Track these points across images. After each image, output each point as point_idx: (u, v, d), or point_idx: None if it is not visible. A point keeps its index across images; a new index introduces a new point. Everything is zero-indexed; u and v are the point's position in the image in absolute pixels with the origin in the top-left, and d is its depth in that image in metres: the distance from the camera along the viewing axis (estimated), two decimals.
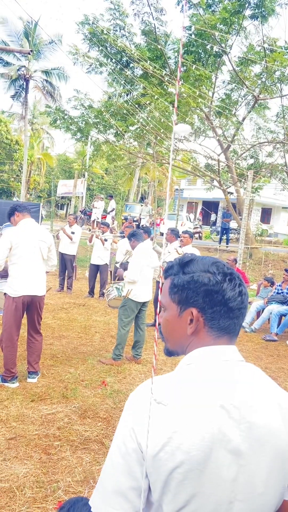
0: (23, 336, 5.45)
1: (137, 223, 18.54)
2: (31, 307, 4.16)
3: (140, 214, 20.06)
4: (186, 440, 0.84)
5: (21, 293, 4.00)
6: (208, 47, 10.73)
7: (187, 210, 31.73)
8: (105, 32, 11.63)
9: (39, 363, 4.36)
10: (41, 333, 4.37)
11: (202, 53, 11.37)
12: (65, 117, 13.57)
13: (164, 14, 12.13)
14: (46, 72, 29.32)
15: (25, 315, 4.24)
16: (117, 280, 5.59)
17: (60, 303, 8.00)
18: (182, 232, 6.70)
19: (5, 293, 4.11)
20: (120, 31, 12.57)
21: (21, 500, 2.49)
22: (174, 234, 6.63)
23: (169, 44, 14.44)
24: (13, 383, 4.10)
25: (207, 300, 0.98)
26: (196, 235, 22.49)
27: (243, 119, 13.94)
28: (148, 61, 10.72)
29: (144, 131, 12.53)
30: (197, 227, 22.93)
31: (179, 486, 0.84)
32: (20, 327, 4.19)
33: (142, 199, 33.34)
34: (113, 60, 12.43)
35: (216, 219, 28.43)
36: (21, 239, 3.97)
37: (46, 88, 30.11)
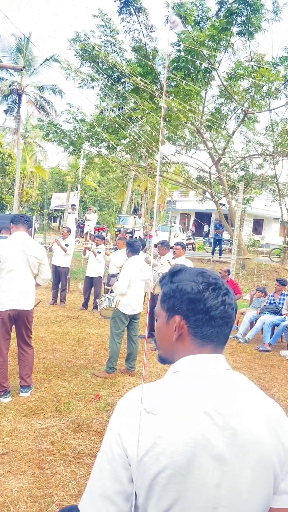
0: (15, 350, 5.44)
1: (131, 235, 18.61)
2: (18, 321, 4.14)
3: (134, 226, 20.14)
4: (170, 445, 0.87)
5: (7, 307, 3.99)
6: (197, 63, 10.94)
7: (180, 221, 31.91)
8: (96, 48, 11.83)
9: (31, 376, 4.34)
10: (31, 346, 4.35)
11: (192, 68, 11.59)
12: (58, 130, 13.70)
13: (154, 31, 12.37)
14: (39, 87, 29.62)
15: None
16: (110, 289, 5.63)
17: (53, 316, 7.99)
18: (175, 244, 6.76)
19: None
20: (111, 47, 12.79)
21: None
22: (165, 246, 6.69)
23: (158, 60, 14.70)
24: (6, 397, 4.08)
25: (190, 308, 1.03)
26: (189, 246, 22.59)
27: (233, 132, 14.16)
28: (139, 77, 10.90)
29: (136, 145, 12.68)
30: (190, 238, 23.05)
31: (163, 490, 0.87)
32: (9, 341, 4.18)
33: (135, 211, 33.50)
34: (105, 76, 12.61)
35: (209, 230, 28.62)
36: (9, 253, 3.96)
37: (39, 102, 30.37)
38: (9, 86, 28.77)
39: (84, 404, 4.21)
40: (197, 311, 1.02)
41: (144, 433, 0.89)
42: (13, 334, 4.27)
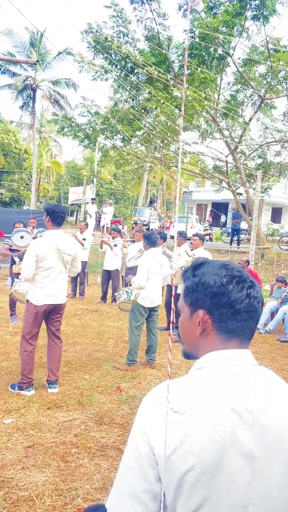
0: (39, 345, 5.50)
1: (147, 227, 18.56)
2: (52, 314, 4.25)
3: (150, 218, 20.09)
4: (197, 444, 0.85)
5: (44, 302, 4.10)
6: (211, 49, 10.74)
7: (196, 212, 31.68)
8: (108, 39, 11.72)
9: (59, 370, 4.39)
10: (60, 339, 4.43)
11: (206, 56, 11.38)
12: (72, 124, 13.69)
13: (166, 19, 12.18)
14: (53, 82, 29.62)
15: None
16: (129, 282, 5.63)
17: (73, 310, 8.04)
18: (192, 235, 6.70)
19: (27, 300, 4.18)
20: (123, 37, 12.66)
21: (41, 509, 2.50)
22: (182, 236, 6.64)
23: (172, 48, 14.51)
24: (29, 390, 4.13)
25: (214, 302, 0.99)
26: (206, 237, 22.44)
27: (250, 119, 13.90)
28: (153, 66, 10.76)
29: (151, 136, 12.58)
30: (207, 229, 22.87)
31: (191, 489, 0.85)
32: (38, 334, 4.26)
33: (151, 203, 33.38)
34: (118, 67, 12.51)
35: (226, 220, 28.33)
36: (46, 252, 4.03)
37: (53, 96, 30.39)
38: (23, 81, 28.85)
39: (106, 396, 4.22)
40: (221, 305, 0.99)
41: (171, 431, 0.86)
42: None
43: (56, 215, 4.09)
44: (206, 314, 1.01)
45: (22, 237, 6.20)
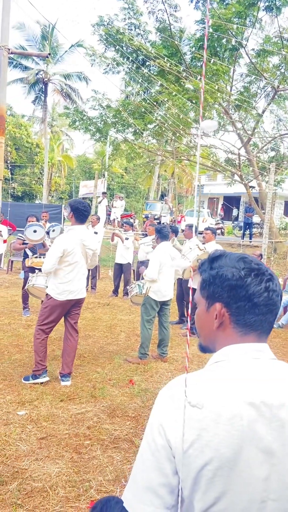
0: (50, 337, 5.54)
1: (158, 221, 18.52)
2: (72, 307, 4.31)
3: (161, 212, 20.03)
4: (215, 438, 0.84)
5: (66, 297, 4.15)
6: (224, 41, 10.59)
7: (208, 206, 31.49)
8: (120, 31, 11.64)
9: (73, 363, 4.43)
10: (77, 332, 4.48)
11: (218, 47, 11.24)
12: (84, 117, 13.67)
13: (178, 10, 12.05)
14: (65, 75, 29.57)
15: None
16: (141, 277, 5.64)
17: (85, 303, 7.99)
18: (205, 229, 6.66)
19: (47, 294, 4.22)
20: (135, 29, 12.56)
21: (55, 500, 2.53)
22: (191, 230, 6.61)
23: (184, 40, 14.36)
24: (44, 377, 4.20)
25: (231, 295, 0.98)
26: (218, 231, 22.30)
27: (263, 111, 13.72)
28: (165, 58, 10.67)
29: (163, 129, 12.50)
30: (219, 223, 22.72)
31: (209, 483, 0.84)
32: (54, 327, 4.32)
33: (163, 196, 33.28)
34: (130, 59, 12.43)
35: (238, 214, 28.11)
36: (73, 247, 4.09)
37: (65, 90, 30.36)
38: (35, 75, 28.88)
39: (118, 389, 4.24)
40: (239, 298, 0.97)
41: (188, 425, 0.86)
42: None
43: (80, 213, 4.14)
44: (223, 308, 1.00)
45: (35, 231, 6.24)
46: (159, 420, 0.90)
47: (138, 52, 12.01)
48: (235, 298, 0.98)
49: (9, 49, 5.64)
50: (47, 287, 4.41)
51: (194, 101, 11.62)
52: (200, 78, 10.36)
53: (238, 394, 0.88)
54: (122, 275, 8.95)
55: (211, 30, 10.46)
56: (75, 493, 2.62)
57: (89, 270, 8.95)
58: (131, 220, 13.64)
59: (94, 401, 3.96)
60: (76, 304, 4.31)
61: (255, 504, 0.87)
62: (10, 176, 29.35)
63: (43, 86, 29.56)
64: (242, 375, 0.92)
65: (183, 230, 7.40)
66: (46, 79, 28.64)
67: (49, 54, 7.16)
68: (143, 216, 21.16)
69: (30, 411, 3.65)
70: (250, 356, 0.96)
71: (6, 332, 5.90)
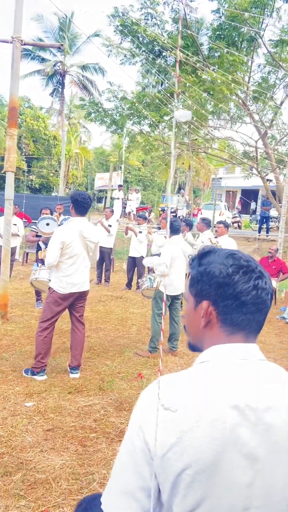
0: (60, 329, 5.57)
1: (174, 214, 18.41)
2: (76, 300, 4.28)
3: (177, 205, 19.90)
4: (195, 441, 0.81)
5: (68, 290, 4.13)
6: (241, 30, 10.37)
7: (225, 199, 31.17)
8: (135, 22, 11.51)
9: (81, 356, 4.42)
10: (84, 324, 4.46)
11: (236, 37, 11.01)
12: (99, 109, 13.62)
13: (193, 1, 11.84)
14: (82, 67, 29.54)
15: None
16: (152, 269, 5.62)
17: (98, 296, 8.10)
18: (217, 222, 6.58)
19: (50, 287, 4.22)
20: (151, 19, 12.41)
21: (57, 492, 2.54)
22: (205, 223, 6.52)
23: (202, 30, 14.12)
24: (41, 375, 4.17)
25: (219, 293, 0.94)
26: (235, 225, 22.06)
27: (281, 102, 13.43)
28: (181, 49, 10.50)
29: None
30: (235, 216, 22.47)
31: (188, 488, 0.81)
32: (57, 320, 4.29)
33: (179, 189, 33.06)
34: (146, 50, 12.30)
35: (256, 207, 27.73)
36: (72, 239, 4.05)
37: (82, 82, 30.35)
38: (53, 67, 28.93)
39: (127, 383, 4.24)
40: (226, 297, 0.93)
41: (168, 428, 0.83)
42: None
43: (79, 204, 4.08)
44: (210, 306, 0.96)
45: (48, 224, 6.27)
46: (138, 422, 0.87)
47: (154, 43, 11.87)
48: (223, 296, 0.94)
49: (22, 40, 5.63)
50: (50, 280, 4.40)
51: (211, 93, 11.43)
52: (216, 69, 10.19)
53: (222, 397, 0.84)
54: (136, 268, 8.94)
55: (221, 20, 10.25)
56: (78, 486, 2.63)
57: (103, 263, 9.00)
58: (146, 213, 13.60)
59: (102, 394, 3.96)
60: (80, 297, 4.28)
61: (238, 511, 0.83)
62: (27, 168, 29.58)
63: (61, 78, 29.62)
64: (226, 377, 0.88)
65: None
66: (63, 71, 28.64)
67: (61, 45, 7.15)
68: (159, 209, 21.07)
69: (38, 403, 3.67)
70: (236, 356, 0.92)
71: (18, 323, 5.96)
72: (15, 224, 8.76)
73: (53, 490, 2.55)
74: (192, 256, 1.06)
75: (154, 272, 5.18)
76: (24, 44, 5.83)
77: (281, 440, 0.85)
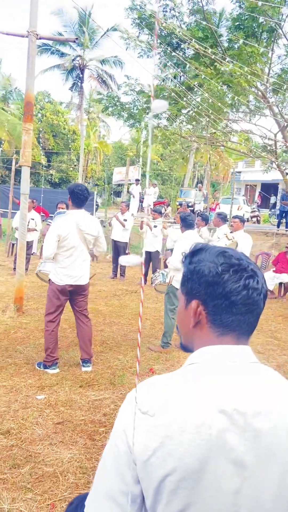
0: (73, 323, 5.60)
1: (192, 208, 18.28)
2: (75, 294, 4.26)
3: (195, 199, 19.75)
4: (179, 446, 0.78)
5: (65, 282, 4.12)
6: (261, 20, 10.13)
7: (244, 193, 30.77)
8: (153, 15, 11.39)
9: (91, 348, 4.43)
10: (89, 318, 4.44)
11: (256, 28, 10.77)
12: (117, 103, 13.57)
13: None
14: (101, 60, 29.52)
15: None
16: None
17: (113, 290, 8.12)
18: (233, 217, 6.49)
19: (49, 279, 4.24)
20: (170, 11, 12.26)
21: (64, 485, 2.56)
22: (220, 218, 6.43)
23: (222, 21, 13.86)
24: (54, 369, 4.21)
25: (208, 292, 0.91)
26: (254, 219, 21.77)
27: None
28: (200, 41, 10.34)
29: (196, 114, 12.21)
30: (254, 211, 22.17)
31: (171, 494, 0.79)
32: (61, 313, 4.31)
33: (198, 183, 32.80)
34: (163, 43, 12.17)
35: (275, 201, 27.28)
36: (68, 231, 4.03)
37: (101, 76, 30.33)
38: (72, 61, 28.99)
39: (139, 377, 4.22)
40: (216, 296, 0.90)
41: (151, 431, 0.80)
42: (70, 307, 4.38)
43: (75, 196, 4.04)
44: (200, 305, 0.93)
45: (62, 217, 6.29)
46: (121, 425, 0.85)
47: (172, 35, 11.73)
48: (212, 296, 0.91)
49: (37, 35, 5.63)
50: (50, 272, 4.42)
51: (230, 85, 11.23)
52: (235, 61, 9.99)
53: (208, 401, 0.82)
54: (151, 263, 8.92)
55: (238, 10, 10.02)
56: (85, 480, 2.64)
57: (118, 257, 9.00)
58: (163, 207, 13.53)
59: (113, 388, 3.97)
60: (78, 291, 4.23)
61: None
62: (47, 163, 29.81)
63: (80, 72, 29.66)
64: (215, 380, 0.85)
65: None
66: (82, 65, 28.67)
67: (77, 38, 7.13)
68: (177, 203, 20.95)
69: (49, 396, 3.70)
70: (227, 358, 0.88)
71: (34, 316, 6.03)
72: (33, 219, 8.87)
73: (60, 484, 2.57)
74: (185, 253, 1.03)
75: (167, 267, 5.15)
76: (40, 38, 5.84)
77: (271, 448, 0.82)
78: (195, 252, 0.98)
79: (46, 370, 4.20)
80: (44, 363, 4.22)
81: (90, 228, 4.13)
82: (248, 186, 31.49)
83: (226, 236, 5.66)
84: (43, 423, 3.26)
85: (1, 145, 26.02)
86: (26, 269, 8.47)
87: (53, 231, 4.04)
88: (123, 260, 4.73)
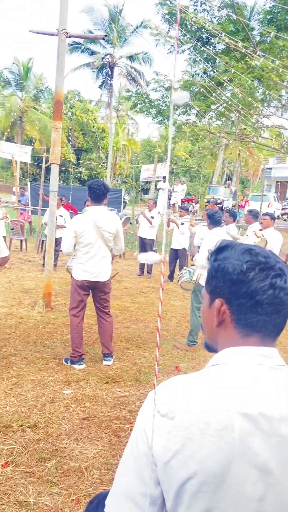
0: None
1: (220, 205, 18.06)
2: (95, 291, 4.29)
3: (224, 196, 19.51)
4: (201, 449, 0.76)
5: (83, 278, 4.16)
6: None
7: (276, 190, 30.15)
8: (183, 10, 11.28)
9: (111, 344, 4.45)
10: (110, 314, 4.44)
11: None
12: (145, 100, 13.55)
13: None
14: (130, 58, 29.53)
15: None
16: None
17: (139, 287, 8.13)
18: (263, 214, 6.35)
19: (71, 275, 4.31)
20: (200, 6, 12.12)
21: (89, 481, 2.57)
22: (251, 215, 6.30)
23: (254, 15, 13.60)
24: (80, 364, 4.25)
25: (232, 291, 0.88)
26: (285, 216, 21.32)
27: None
28: (230, 35, 10.16)
29: (226, 110, 12.03)
30: (285, 208, 21.70)
31: (192, 498, 0.76)
32: (84, 308, 4.34)
33: (227, 180, 32.39)
34: (193, 38, 12.04)
35: None
36: (85, 228, 4.04)
37: (130, 73, 30.36)
38: (101, 59, 29.13)
39: (164, 375, 4.21)
40: (240, 295, 0.87)
41: (172, 433, 0.79)
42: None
43: (92, 191, 4.03)
44: (224, 304, 0.90)
45: (80, 214, 6.36)
46: (143, 425, 0.83)
47: (203, 30, 11.58)
48: (236, 295, 0.88)
49: (67, 33, 5.67)
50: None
51: (261, 80, 10.99)
52: (266, 55, 9.77)
53: (232, 403, 0.79)
54: (177, 260, 8.87)
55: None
56: (109, 476, 2.65)
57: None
58: (191, 205, 13.43)
59: (138, 385, 3.97)
60: (98, 288, 4.24)
61: None
62: (76, 161, 30.17)
63: (109, 70, 29.77)
64: (238, 382, 0.82)
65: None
66: (112, 63, 28.77)
67: (105, 35, 7.12)
68: (205, 200, 20.75)
69: (76, 391, 3.74)
70: (252, 360, 0.85)
71: (61, 312, 6.10)
72: (61, 216, 8.98)
73: (85, 479, 2.59)
74: (210, 250, 1.00)
75: (193, 265, 5.10)
76: (69, 36, 5.87)
77: None
78: (221, 249, 0.95)
79: (72, 365, 4.24)
80: (71, 359, 4.26)
81: (108, 225, 4.09)
82: (279, 183, 30.81)
83: (255, 234, 5.54)
84: (69, 418, 3.30)
85: (33, 144, 26.49)
86: (55, 265, 8.60)
87: (70, 227, 4.10)
88: (142, 257, 4.70)
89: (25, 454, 2.79)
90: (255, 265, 0.87)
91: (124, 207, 16.71)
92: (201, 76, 12.83)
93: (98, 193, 4.04)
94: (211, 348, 0.99)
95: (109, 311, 4.42)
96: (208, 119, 13.42)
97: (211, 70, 12.63)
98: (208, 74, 12.68)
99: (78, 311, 4.26)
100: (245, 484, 0.76)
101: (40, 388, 3.75)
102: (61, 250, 9.96)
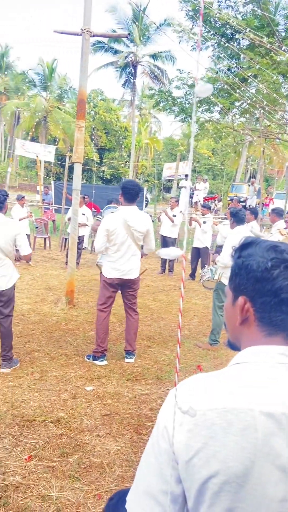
0: (122, 316, 5.67)
1: (244, 203, 17.84)
2: (124, 288, 4.35)
3: (247, 194, 19.26)
4: (223, 448, 0.75)
5: (113, 275, 4.21)
6: None
7: None
8: (207, 7, 11.17)
9: (135, 342, 4.48)
10: (137, 311, 4.49)
11: None
12: (168, 98, 13.48)
13: None
14: (153, 56, 29.50)
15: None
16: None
17: (161, 286, 8.12)
18: (287, 213, 6.24)
19: (101, 272, 4.35)
20: (225, 1, 11.98)
21: (111, 477, 2.59)
22: (275, 213, 6.20)
23: (280, 11, 13.34)
24: (102, 361, 4.28)
25: (256, 288, 0.87)
26: None
27: None
28: (255, 31, 10.01)
29: (250, 107, 11.87)
30: None
31: (214, 497, 0.76)
32: (112, 304, 4.38)
33: (250, 178, 31.97)
34: (217, 35, 11.92)
35: None
36: (115, 227, 4.09)
37: (153, 71, 30.34)
38: (125, 58, 29.21)
39: (185, 374, 4.20)
40: (264, 293, 0.86)
41: (193, 431, 0.78)
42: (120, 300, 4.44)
43: (126, 191, 4.08)
44: (247, 302, 0.89)
45: (112, 213, 6.37)
46: (164, 422, 0.83)
47: (227, 26, 11.45)
48: (260, 292, 0.86)
49: (90, 32, 5.71)
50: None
51: (286, 76, 10.80)
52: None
53: (255, 402, 0.78)
54: (199, 259, 8.82)
55: None
56: (131, 473, 2.66)
57: None
58: (214, 203, 13.32)
59: (160, 383, 3.97)
60: (127, 285, 4.30)
61: None
62: (99, 159, 30.34)
63: (133, 69, 29.82)
64: (262, 381, 0.81)
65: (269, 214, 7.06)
66: (135, 62, 28.80)
67: (129, 34, 7.10)
68: (228, 198, 20.54)
69: (97, 387, 3.77)
70: (276, 360, 0.84)
71: (84, 309, 6.16)
72: (84, 214, 9.06)
73: (106, 475, 2.61)
74: (234, 247, 0.99)
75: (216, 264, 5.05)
76: (93, 36, 5.91)
77: None
78: (245, 246, 0.94)
79: (94, 362, 4.28)
80: (94, 354, 4.31)
81: (138, 224, 4.15)
82: None
83: (280, 232, 5.45)
84: (91, 414, 3.33)
85: (56, 143, 26.79)
86: (77, 263, 8.68)
87: (102, 226, 4.14)
88: (163, 252, 4.69)
89: (48, 448, 2.83)
90: (280, 262, 0.86)
91: (146, 206, 16.74)
92: (225, 73, 12.69)
93: (132, 193, 4.10)
94: (234, 346, 0.98)
95: (136, 308, 4.48)
96: (232, 116, 13.26)
97: (235, 67, 12.48)
98: (232, 71, 12.53)
99: (106, 306, 4.32)
100: (267, 485, 0.75)
101: (62, 384, 3.79)
102: (84, 248, 10.07)
